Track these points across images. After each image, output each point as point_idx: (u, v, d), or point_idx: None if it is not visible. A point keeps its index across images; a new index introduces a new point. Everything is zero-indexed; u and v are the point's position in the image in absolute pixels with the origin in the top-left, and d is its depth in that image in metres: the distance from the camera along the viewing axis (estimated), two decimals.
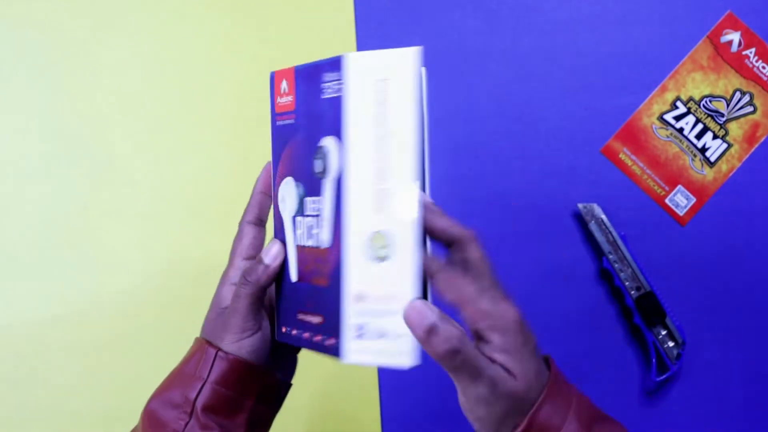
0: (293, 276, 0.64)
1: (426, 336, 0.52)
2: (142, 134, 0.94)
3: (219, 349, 0.63)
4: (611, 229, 0.92)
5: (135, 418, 0.66)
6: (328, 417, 0.92)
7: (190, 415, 0.63)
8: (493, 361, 0.53)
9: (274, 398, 0.68)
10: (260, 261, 0.64)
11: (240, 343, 0.64)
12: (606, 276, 0.93)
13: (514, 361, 0.53)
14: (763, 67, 0.95)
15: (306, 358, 0.93)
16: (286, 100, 0.64)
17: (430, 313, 0.53)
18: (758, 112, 0.95)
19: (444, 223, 0.56)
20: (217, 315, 0.66)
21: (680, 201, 0.94)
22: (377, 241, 0.56)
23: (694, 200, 0.94)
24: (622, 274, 0.91)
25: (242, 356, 0.63)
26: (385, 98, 0.57)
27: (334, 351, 0.58)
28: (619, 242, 0.91)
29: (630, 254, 0.91)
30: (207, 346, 0.64)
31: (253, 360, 0.64)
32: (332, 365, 0.93)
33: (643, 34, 0.95)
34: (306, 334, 0.62)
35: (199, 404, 0.63)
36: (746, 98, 0.95)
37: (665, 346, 0.90)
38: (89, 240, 0.93)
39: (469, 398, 0.54)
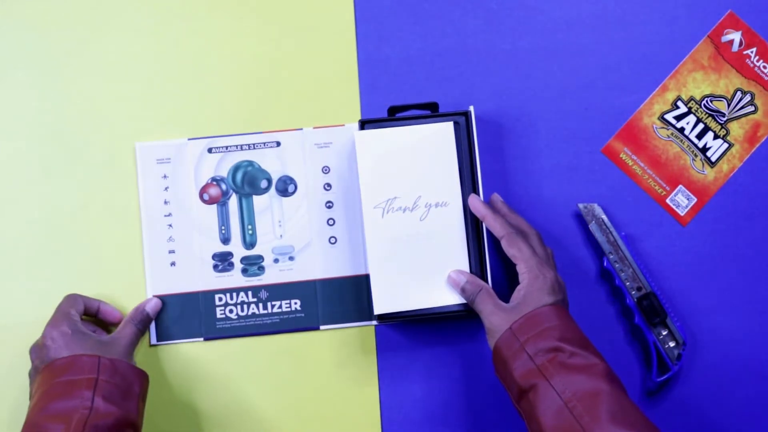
0: None
1: (461, 292, 0.86)
2: (141, 134, 0.94)
3: (100, 357, 0.81)
4: (612, 229, 0.92)
5: None
6: (328, 418, 0.92)
7: (91, 402, 0.77)
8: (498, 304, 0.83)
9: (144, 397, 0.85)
10: (143, 310, 0.89)
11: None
12: (606, 276, 0.93)
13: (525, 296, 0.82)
14: (764, 67, 0.95)
15: (305, 360, 0.93)
16: None
17: (462, 277, 0.86)
18: (759, 112, 0.95)
19: (492, 224, 0.85)
20: (73, 333, 0.83)
21: (681, 201, 0.94)
22: None
23: (694, 200, 0.94)
24: (622, 275, 0.91)
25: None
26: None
27: None
28: (620, 242, 0.91)
29: (630, 254, 0.91)
30: (85, 357, 0.81)
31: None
32: (332, 367, 0.93)
33: (643, 33, 0.95)
34: None
35: (98, 395, 0.78)
36: (747, 98, 0.95)
37: (666, 346, 0.90)
38: (89, 240, 0.93)
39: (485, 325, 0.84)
